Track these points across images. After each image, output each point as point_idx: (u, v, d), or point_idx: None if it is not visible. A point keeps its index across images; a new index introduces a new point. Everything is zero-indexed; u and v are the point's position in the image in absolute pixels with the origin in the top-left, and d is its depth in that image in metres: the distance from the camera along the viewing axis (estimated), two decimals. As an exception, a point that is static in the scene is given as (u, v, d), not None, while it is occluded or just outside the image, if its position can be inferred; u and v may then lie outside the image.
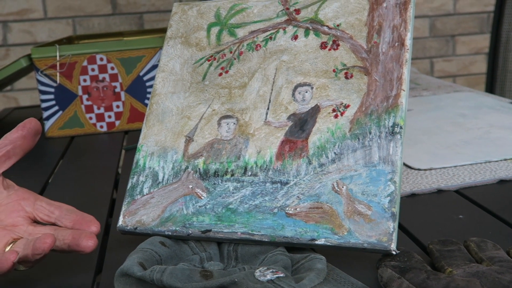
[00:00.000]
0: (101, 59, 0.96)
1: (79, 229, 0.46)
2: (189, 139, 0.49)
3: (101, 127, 0.99)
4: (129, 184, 0.48)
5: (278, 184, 0.43)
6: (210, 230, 0.43)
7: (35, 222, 0.48)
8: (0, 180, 0.48)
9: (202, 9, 0.53)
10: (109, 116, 0.98)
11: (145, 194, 0.47)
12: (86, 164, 0.84)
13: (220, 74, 0.50)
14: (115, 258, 0.45)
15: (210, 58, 0.51)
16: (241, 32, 0.51)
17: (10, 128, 0.49)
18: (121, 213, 0.47)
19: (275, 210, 0.42)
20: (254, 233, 0.41)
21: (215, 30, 0.52)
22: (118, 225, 0.47)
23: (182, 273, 0.35)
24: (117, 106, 0.98)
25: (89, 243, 0.44)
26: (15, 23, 1.97)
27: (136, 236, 0.46)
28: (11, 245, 0.45)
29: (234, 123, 0.48)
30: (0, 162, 0.48)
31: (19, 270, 0.45)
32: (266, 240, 0.41)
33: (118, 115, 0.98)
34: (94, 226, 0.46)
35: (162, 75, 0.53)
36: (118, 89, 0.97)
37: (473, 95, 0.99)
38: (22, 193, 0.49)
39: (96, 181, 0.74)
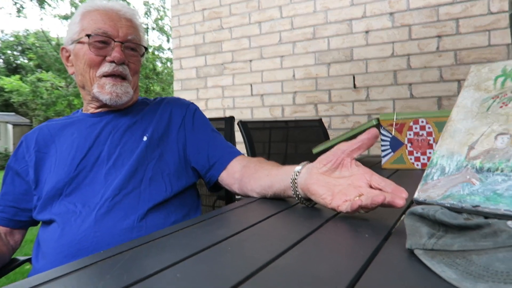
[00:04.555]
0: (422, 121, 1.07)
1: (395, 194, 0.53)
2: (471, 147, 0.51)
3: (417, 165, 1.09)
4: (425, 173, 0.53)
5: (539, 180, 0.43)
6: (479, 206, 0.45)
7: (370, 187, 0.57)
8: (354, 161, 0.60)
9: (492, 67, 0.58)
10: (423, 159, 1.08)
11: (434, 179, 0.51)
12: (403, 182, 0.92)
13: (501, 107, 0.53)
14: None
15: (494, 97, 0.54)
16: (521, 79, 0.54)
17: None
18: (417, 190, 0.52)
19: None
20: None
21: (500, 79, 0.56)
22: (414, 197, 0.52)
23: (450, 214, 0.39)
24: (429, 152, 1.07)
25: (400, 202, 0.52)
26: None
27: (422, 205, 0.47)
28: (358, 197, 0.56)
29: (508, 138, 0.49)
30: (355, 150, 0.60)
31: (360, 212, 0.55)
32: None
33: (429, 158, 1.00)
34: (404, 193, 0.54)
35: (457, 109, 0.57)
36: (431, 142, 1.07)
37: None
38: (364, 169, 0.60)
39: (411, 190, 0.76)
